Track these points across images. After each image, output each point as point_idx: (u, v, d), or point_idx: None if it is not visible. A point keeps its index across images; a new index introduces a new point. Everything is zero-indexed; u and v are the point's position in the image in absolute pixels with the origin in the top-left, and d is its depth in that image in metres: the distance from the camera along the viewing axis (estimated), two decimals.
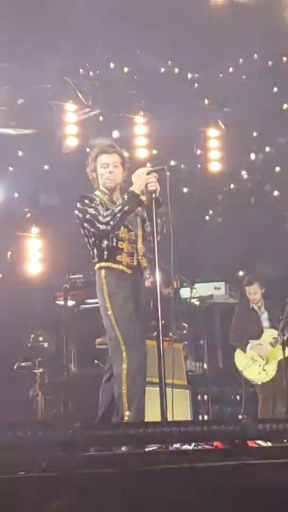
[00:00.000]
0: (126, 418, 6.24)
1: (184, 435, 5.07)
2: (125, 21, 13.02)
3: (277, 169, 17.22)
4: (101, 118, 14.26)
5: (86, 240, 6.70)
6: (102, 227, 6.45)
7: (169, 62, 15.22)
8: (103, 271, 6.56)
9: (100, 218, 6.46)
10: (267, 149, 17.31)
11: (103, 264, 6.58)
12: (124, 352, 6.39)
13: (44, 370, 10.62)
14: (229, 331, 10.36)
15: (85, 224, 6.57)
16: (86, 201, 6.61)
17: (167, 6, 13.07)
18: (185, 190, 16.42)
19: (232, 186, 17.13)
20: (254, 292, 10.08)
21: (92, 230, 6.53)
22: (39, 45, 12.59)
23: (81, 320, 10.48)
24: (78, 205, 6.63)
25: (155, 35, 13.48)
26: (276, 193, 16.93)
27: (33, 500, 4.12)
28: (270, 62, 16.62)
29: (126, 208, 6.45)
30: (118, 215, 6.44)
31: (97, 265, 6.62)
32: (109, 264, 6.54)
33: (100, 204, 6.60)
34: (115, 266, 6.54)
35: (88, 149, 6.96)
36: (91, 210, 6.53)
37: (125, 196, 6.50)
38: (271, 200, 16.85)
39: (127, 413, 6.27)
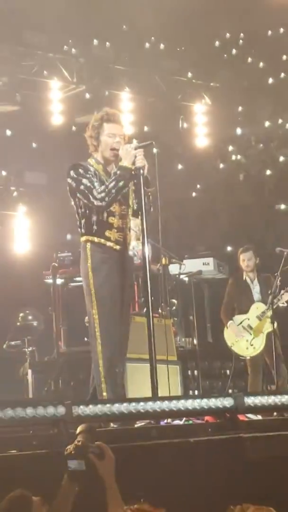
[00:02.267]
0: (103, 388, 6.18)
1: (175, 410, 5.08)
2: None
3: (260, 144, 17.22)
4: (87, 95, 14.19)
5: (75, 209, 6.51)
6: (96, 202, 6.30)
7: (152, 38, 15.18)
8: (89, 245, 6.43)
9: (95, 193, 6.29)
10: (253, 123, 17.31)
11: (90, 238, 6.41)
12: (99, 331, 6.31)
13: (34, 349, 10.62)
14: (218, 306, 10.38)
15: (78, 195, 6.39)
16: (81, 170, 6.41)
17: None
18: (172, 166, 16.40)
19: (219, 162, 17.13)
20: (248, 259, 10.05)
21: (85, 201, 6.37)
22: (21, 23, 12.51)
23: (70, 298, 10.46)
24: (72, 173, 6.43)
25: (139, 10, 13.41)
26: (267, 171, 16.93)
27: (25, 478, 4.12)
28: (255, 41, 16.62)
29: (120, 183, 6.31)
30: (113, 191, 6.28)
31: (84, 237, 6.46)
32: (96, 238, 6.41)
33: (94, 175, 6.44)
34: (103, 241, 6.42)
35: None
36: (85, 181, 6.34)
37: (117, 171, 6.35)
38: (259, 176, 16.85)
39: (105, 394, 6.21)
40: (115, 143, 6.47)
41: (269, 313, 9.54)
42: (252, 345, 9.79)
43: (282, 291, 9.58)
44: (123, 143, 6.47)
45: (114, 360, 6.34)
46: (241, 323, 9.89)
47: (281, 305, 9.60)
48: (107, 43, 14.34)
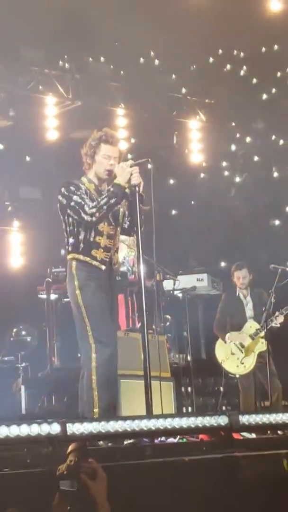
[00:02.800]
0: (95, 415, 6.14)
1: (169, 428, 5.06)
2: (103, 13, 12.99)
3: (256, 158, 17.26)
4: (82, 111, 14.21)
5: (64, 227, 6.53)
6: (87, 217, 6.31)
7: (151, 52, 15.23)
8: (74, 263, 6.43)
9: (86, 208, 6.30)
10: (247, 139, 17.36)
11: (76, 255, 6.42)
12: (93, 346, 6.27)
13: (27, 364, 10.60)
14: (212, 323, 10.37)
15: (68, 211, 6.41)
16: (72, 187, 6.45)
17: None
18: (166, 181, 16.42)
19: (213, 177, 17.16)
20: (243, 277, 10.06)
21: (75, 217, 6.37)
22: (18, 39, 12.55)
23: (64, 313, 10.44)
24: (63, 190, 6.46)
25: (134, 26, 13.45)
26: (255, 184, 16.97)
27: (17, 497, 4.10)
28: (249, 57, 16.68)
29: (112, 201, 6.33)
30: (104, 207, 6.31)
31: (71, 255, 6.47)
32: (82, 257, 6.41)
33: (85, 193, 6.46)
34: (88, 260, 6.41)
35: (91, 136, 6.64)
36: (76, 198, 6.37)
37: (111, 188, 6.36)
38: (253, 191, 16.88)
39: (96, 410, 6.19)
40: (109, 165, 6.51)
41: (263, 332, 9.53)
42: (242, 363, 9.77)
43: (276, 313, 9.57)
44: (118, 163, 6.49)
45: (109, 379, 6.33)
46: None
47: (274, 325, 9.59)
48: (103, 58, 14.39)
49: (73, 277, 6.43)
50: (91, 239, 6.45)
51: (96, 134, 6.63)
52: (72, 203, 6.41)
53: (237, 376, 9.85)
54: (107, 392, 6.31)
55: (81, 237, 6.44)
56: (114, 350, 6.41)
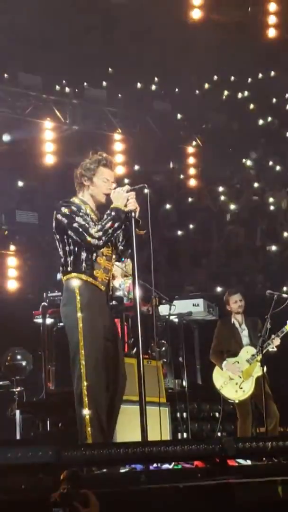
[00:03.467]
0: (87, 441, 6.10)
1: (164, 455, 5.04)
2: (101, 38, 13.07)
3: (256, 184, 17.32)
4: (79, 136, 14.29)
5: (62, 246, 6.41)
6: (94, 241, 6.26)
7: (154, 79, 15.32)
8: (76, 282, 6.36)
9: (92, 231, 6.24)
10: (244, 165, 17.43)
11: (79, 275, 6.34)
12: (85, 377, 6.22)
13: (22, 389, 10.55)
14: (208, 348, 10.35)
15: (69, 232, 6.34)
16: (74, 207, 6.38)
17: (144, 23, 13.15)
18: (163, 206, 16.46)
19: (210, 202, 17.21)
20: (240, 300, 10.05)
21: (77, 239, 6.33)
22: (17, 64, 12.64)
23: (60, 338, 10.41)
24: (64, 210, 6.37)
25: (130, 52, 13.54)
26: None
27: None
28: (249, 79, 16.77)
29: (116, 224, 6.29)
30: (110, 230, 6.27)
31: (71, 275, 6.37)
32: (85, 277, 6.34)
33: (86, 214, 6.45)
34: (90, 280, 6.38)
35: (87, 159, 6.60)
36: (79, 219, 6.30)
37: (112, 213, 6.37)
38: (250, 217, 16.93)
39: (88, 435, 6.14)
40: (108, 189, 6.49)
41: (259, 357, 9.51)
42: (241, 388, 9.73)
43: (272, 336, 9.56)
44: (113, 191, 6.49)
45: (101, 404, 6.27)
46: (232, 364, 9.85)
47: (270, 349, 9.57)
48: (100, 84, 14.48)
49: (75, 298, 6.34)
50: (93, 259, 6.41)
51: (94, 156, 6.61)
52: (75, 225, 6.32)
53: (236, 401, 9.81)
54: (98, 424, 6.25)
55: (83, 257, 6.38)
56: (103, 384, 6.34)
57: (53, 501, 3.81)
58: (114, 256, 6.60)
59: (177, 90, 16.05)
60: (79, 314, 6.29)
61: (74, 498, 3.83)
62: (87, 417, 6.18)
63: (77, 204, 6.46)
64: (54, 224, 6.46)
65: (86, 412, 6.18)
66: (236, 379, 9.76)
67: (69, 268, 6.40)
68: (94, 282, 6.39)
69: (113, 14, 12.80)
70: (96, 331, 6.32)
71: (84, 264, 6.38)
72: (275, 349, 9.59)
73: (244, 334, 10.01)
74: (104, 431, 6.25)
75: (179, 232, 16.56)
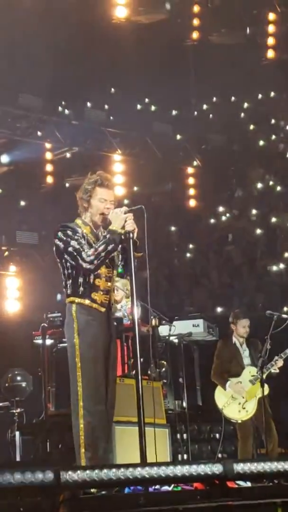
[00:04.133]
0: (82, 463, 6.07)
1: (163, 476, 5.02)
2: (103, 59, 13.14)
3: (254, 211, 17.34)
4: (79, 156, 14.34)
5: (61, 269, 6.45)
6: (85, 265, 6.29)
7: (146, 99, 15.36)
8: (74, 306, 6.38)
9: (84, 255, 6.27)
10: (244, 184, 17.46)
11: (77, 299, 6.36)
12: (81, 396, 6.24)
13: (22, 410, 10.52)
14: (208, 369, 10.32)
15: (65, 256, 6.35)
16: (69, 231, 6.39)
17: (143, 45, 13.22)
18: (163, 226, 16.48)
19: (210, 223, 17.22)
20: (248, 326, 10.05)
21: (73, 263, 6.38)
22: (17, 86, 12.70)
23: (60, 359, 10.40)
24: (60, 234, 6.39)
25: (131, 73, 13.60)
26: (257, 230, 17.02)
27: None
28: (246, 104, 16.83)
29: (110, 247, 6.30)
30: (103, 254, 6.28)
31: (70, 298, 6.40)
32: (82, 300, 6.35)
33: (82, 237, 6.45)
34: (88, 303, 6.40)
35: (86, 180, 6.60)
36: (74, 243, 6.32)
37: (107, 235, 6.37)
38: (250, 237, 16.93)
39: (82, 457, 6.12)
40: (105, 209, 6.49)
41: (260, 377, 9.48)
42: (244, 408, 9.69)
43: (276, 357, 9.53)
44: (113, 209, 6.49)
45: (96, 427, 6.27)
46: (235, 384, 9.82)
47: (273, 371, 9.55)
48: (100, 105, 14.54)
49: (73, 320, 6.39)
50: (91, 282, 6.43)
51: (91, 177, 6.62)
52: (70, 248, 6.36)
53: (239, 421, 9.77)
54: (95, 445, 6.25)
55: (81, 280, 6.41)
56: (103, 401, 6.34)
57: None
58: (115, 276, 6.61)
59: (176, 111, 16.11)
60: (76, 338, 6.34)
61: None
62: (82, 438, 6.19)
63: (73, 228, 6.47)
64: (54, 248, 6.51)
65: (81, 433, 6.19)
66: (239, 399, 9.73)
67: (68, 291, 6.45)
68: (92, 305, 6.41)
69: (113, 37, 12.88)
70: (92, 354, 6.34)
71: (81, 288, 6.40)
72: (277, 370, 9.56)
73: (245, 354, 9.99)
74: (97, 453, 6.24)
75: (179, 253, 16.56)
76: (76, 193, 6.63)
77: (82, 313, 6.38)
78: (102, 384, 6.35)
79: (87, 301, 6.40)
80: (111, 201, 6.53)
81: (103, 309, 6.44)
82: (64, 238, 6.40)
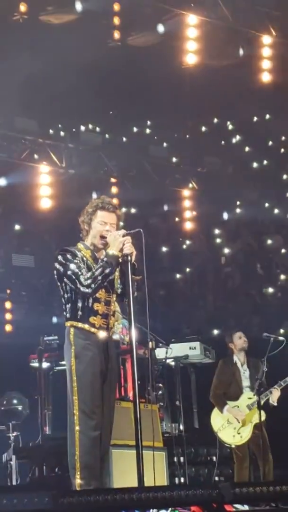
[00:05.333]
0: (77, 487, 6.07)
1: (161, 500, 5.00)
2: (97, 82, 13.19)
3: (246, 228, 17.37)
4: (75, 179, 14.37)
5: (61, 293, 6.54)
6: (83, 289, 6.34)
7: (143, 122, 15.42)
8: (72, 330, 6.42)
9: (82, 279, 6.33)
10: (240, 207, 17.49)
11: (75, 323, 6.42)
12: (77, 420, 6.24)
13: (18, 434, 10.50)
14: (205, 391, 10.29)
15: (65, 279, 6.43)
16: (68, 255, 6.46)
17: (139, 68, 13.27)
18: (160, 249, 16.50)
19: (205, 244, 17.24)
20: (244, 336, 10.02)
21: (72, 287, 6.41)
22: (13, 109, 12.73)
23: (56, 382, 10.39)
24: (60, 258, 6.47)
25: (127, 96, 13.65)
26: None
27: None
28: (241, 126, 16.90)
29: (107, 270, 6.35)
30: (99, 277, 6.34)
31: (69, 322, 6.47)
32: (81, 324, 6.41)
33: (82, 260, 6.48)
34: (87, 327, 6.41)
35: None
36: (72, 267, 6.39)
37: (104, 258, 6.39)
38: (246, 259, 16.95)
39: (78, 481, 6.12)
40: (104, 231, 6.52)
41: (257, 399, 9.44)
42: (239, 433, 9.66)
43: (271, 389, 9.49)
44: (115, 230, 6.52)
45: (92, 451, 6.25)
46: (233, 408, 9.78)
47: (271, 402, 9.49)
48: (96, 128, 14.59)
49: (71, 344, 6.42)
50: (89, 306, 6.45)
51: (93, 201, 6.69)
52: (69, 272, 6.42)
53: (233, 446, 9.73)
54: (91, 469, 6.23)
55: (80, 304, 6.45)
56: (99, 425, 6.33)
57: None
58: (114, 300, 6.62)
59: (172, 134, 16.16)
60: (73, 362, 6.38)
61: None
62: (77, 462, 6.19)
63: (72, 252, 6.52)
64: (54, 272, 6.55)
65: (76, 457, 6.18)
66: (234, 424, 9.69)
67: (67, 315, 6.51)
68: (90, 329, 6.44)
69: (108, 59, 12.93)
70: (89, 378, 6.35)
71: (80, 312, 6.45)
72: (275, 403, 9.50)
73: (245, 375, 9.95)
74: (94, 477, 6.22)
75: (175, 275, 16.57)
76: (79, 217, 6.69)
77: (80, 337, 6.42)
78: (99, 407, 6.35)
79: (85, 326, 6.43)
80: (112, 224, 6.57)
81: (101, 333, 6.46)
82: (64, 262, 6.46)
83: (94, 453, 6.29)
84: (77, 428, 6.25)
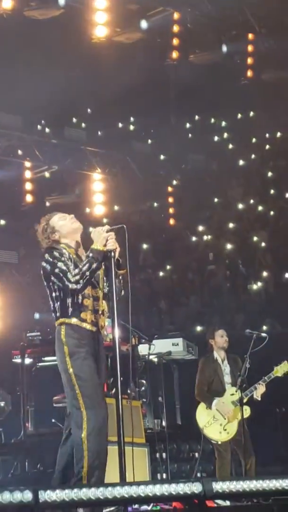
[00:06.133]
0: (85, 481, 6.05)
1: (142, 496, 5.00)
2: (82, 78, 13.17)
3: (231, 225, 17.38)
4: (59, 175, 14.36)
5: (49, 293, 6.49)
6: (71, 285, 6.31)
7: (126, 118, 15.41)
8: (63, 329, 6.37)
9: (69, 276, 6.29)
10: (224, 204, 17.51)
11: (67, 320, 6.35)
12: (84, 413, 6.24)
13: (1, 430, 10.47)
14: (187, 388, 10.29)
15: (52, 278, 6.37)
16: (56, 253, 6.41)
17: (123, 64, 13.27)
18: (143, 245, 16.49)
19: (190, 240, 17.25)
20: (226, 335, 10.03)
21: (60, 285, 6.40)
22: None
23: (39, 378, 10.37)
24: (47, 256, 6.42)
25: (111, 92, 13.64)
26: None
27: None
28: (225, 123, 16.92)
29: (94, 266, 6.32)
30: (87, 273, 6.30)
31: (60, 320, 6.39)
32: (73, 320, 6.36)
33: (69, 258, 6.49)
34: (78, 323, 6.39)
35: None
36: (60, 265, 6.33)
37: (89, 254, 6.38)
38: (230, 256, 16.96)
39: (85, 475, 6.11)
40: (72, 222, 6.61)
41: (245, 399, 9.45)
42: (225, 430, 9.65)
43: (256, 385, 9.51)
44: (93, 230, 6.53)
45: (101, 452, 6.26)
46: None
47: (255, 397, 9.52)
48: (80, 124, 14.58)
49: (62, 344, 6.39)
50: (79, 301, 6.44)
51: (40, 226, 6.67)
52: (56, 270, 6.39)
53: (219, 442, 9.73)
54: (97, 461, 6.23)
55: (69, 301, 6.43)
56: (105, 417, 6.34)
57: None
58: (101, 297, 6.61)
59: (157, 131, 16.16)
60: (68, 361, 6.33)
61: None
62: (85, 460, 6.16)
63: (60, 249, 6.52)
64: (41, 271, 6.53)
65: (85, 454, 6.16)
66: (220, 420, 9.69)
67: (58, 314, 6.46)
68: (82, 324, 6.42)
69: (93, 56, 12.92)
70: (87, 371, 6.33)
71: (70, 309, 6.42)
72: (259, 398, 9.53)
73: (226, 371, 9.96)
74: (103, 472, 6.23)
75: (159, 272, 16.57)
76: (39, 242, 6.71)
77: (71, 336, 6.38)
78: (103, 399, 6.36)
79: (77, 321, 6.39)
80: (70, 214, 6.65)
81: (94, 329, 6.45)
82: (51, 260, 6.44)
83: (103, 449, 6.29)
84: (84, 425, 6.22)
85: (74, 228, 6.62)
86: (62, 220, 6.63)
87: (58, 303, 6.45)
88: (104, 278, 6.57)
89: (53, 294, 6.47)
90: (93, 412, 6.23)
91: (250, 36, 13.88)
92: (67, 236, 6.63)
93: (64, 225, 6.62)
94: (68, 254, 6.51)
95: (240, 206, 17.62)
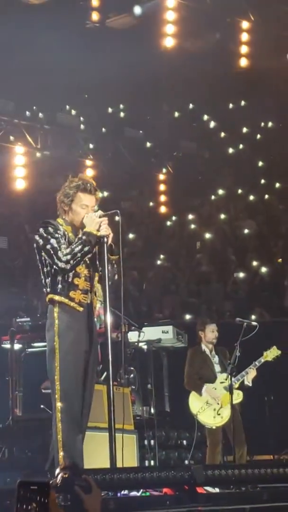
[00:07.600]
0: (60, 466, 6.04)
1: (133, 481, 5.01)
2: (75, 64, 13.12)
3: (222, 216, 17.39)
4: (51, 161, 14.32)
5: (40, 267, 6.42)
6: (61, 264, 6.25)
7: (118, 105, 15.38)
8: (56, 307, 6.33)
9: (60, 254, 6.24)
10: (214, 192, 17.51)
11: (56, 297, 6.32)
12: (59, 398, 6.18)
13: None
14: (177, 375, 10.30)
15: (43, 253, 6.34)
16: (50, 228, 6.35)
17: (116, 51, 13.22)
18: (133, 233, 16.48)
19: (179, 229, 17.25)
20: (216, 330, 10.05)
21: (49, 261, 6.34)
22: None
23: (28, 363, 10.35)
24: (41, 230, 6.36)
25: (103, 79, 13.60)
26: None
27: None
28: (216, 112, 16.90)
29: (86, 248, 6.26)
30: (79, 254, 6.25)
31: (49, 296, 6.37)
32: (61, 298, 6.31)
33: (63, 235, 6.42)
34: (66, 301, 6.33)
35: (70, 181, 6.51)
36: (53, 241, 6.28)
37: (83, 237, 6.31)
38: (219, 245, 16.97)
39: (62, 461, 6.10)
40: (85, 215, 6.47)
41: (236, 385, 9.48)
42: (219, 414, 9.69)
43: (247, 369, 9.55)
44: (86, 215, 6.44)
45: (74, 429, 6.22)
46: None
47: (246, 383, 9.55)
48: (72, 110, 14.53)
49: (54, 323, 6.33)
50: (69, 280, 6.38)
51: (72, 180, 6.55)
52: (48, 246, 6.31)
53: (213, 427, 9.75)
54: (72, 446, 6.21)
55: (59, 278, 6.37)
56: (79, 406, 6.31)
57: (54, 486, 3.64)
58: (95, 277, 6.55)
59: (148, 117, 16.13)
60: (56, 341, 6.29)
61: (75, 484, 3.66)
62: (60, 441, 6.14)
63: (55, 225, 6.43)
64: (34, 245, 6.47)
65: (59, 435, 6.14)
66: (214, 405, 9.72)
67: (48, 289, 6.40)
68: (69, 303, 6.36)
69: (85, 41, 12.87)
70: (72, 358, 6.29)
71: (60, 285, 6.36)
72: (250, 384, 9.56)
73: (215, 361, 9.99)
74: (79, 454, 6.21)
75: (148, 259, 16.56)
76: (57, 195, 6.57)
77: (64, 315, 6.33)
78: (79, 387, 6.31)
79: (65, 300, 6.34)
80: (92, 207, 6.50)
81: (81, 309, 6.39)
82: (45, 235, 6.36)
83: (75, 431, 6.26)
84: (58, 406, 6.20)
85: (77, 224, 6.51)
86: (82, 208, 6.48)
87: (49, 278, 6.39)
88: (99, 263, 6.53)
89: (45, 269, 6.41)
90: (69, 398, 6.21)
91: (245, 24, 13.84)
92: (72, 220, 6.53)
93: (79, 214, 6.49)
94: (64, 231, 6.43)
95: (230, 194, 17.63)
